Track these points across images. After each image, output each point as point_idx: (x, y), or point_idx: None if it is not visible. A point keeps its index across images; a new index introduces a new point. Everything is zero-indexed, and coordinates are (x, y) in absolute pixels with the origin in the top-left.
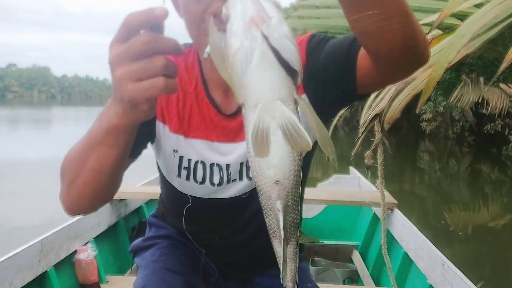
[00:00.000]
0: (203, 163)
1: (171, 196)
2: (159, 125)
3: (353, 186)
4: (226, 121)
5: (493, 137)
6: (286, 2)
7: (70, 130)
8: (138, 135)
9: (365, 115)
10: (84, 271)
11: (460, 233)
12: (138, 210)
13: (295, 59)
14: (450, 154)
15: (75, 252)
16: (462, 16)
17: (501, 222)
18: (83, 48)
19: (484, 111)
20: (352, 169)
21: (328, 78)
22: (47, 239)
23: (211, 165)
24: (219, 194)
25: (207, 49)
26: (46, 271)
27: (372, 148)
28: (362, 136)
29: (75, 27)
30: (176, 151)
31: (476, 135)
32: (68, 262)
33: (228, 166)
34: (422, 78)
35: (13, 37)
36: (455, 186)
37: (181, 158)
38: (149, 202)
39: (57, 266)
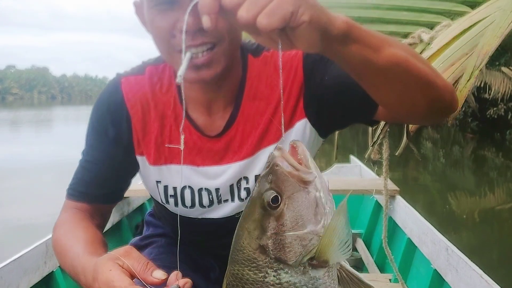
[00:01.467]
0: (190, 188)
1: (163, 212)
2: (139, 158)
3: (354, 175)
4: (210, 143)
5: (496, 121)
6: None
7: (72, 129)
8: (118, 179)
9: None
10: None
11: (466, 220)
12: (141, 208)
13: None
14: (453, 141)
15: None
16: (472, 3)
17: (507, 207)
18: (81, 48)
19: (486, 95)
20: (352, 157)
21: (342, 106)
22: (51, 240)
23: (199, 189)
24: (211, 214)
25: (180, 72)
26: (52, 271)
27: (378, 142)
28: (378, 141)
29: (72, 28)
30: (159, 181)
31: (479, 120)
32: None
33: (217, 189)
34: None
35: (10, 38)
36: (459, 173)
37: (165, 187)
38: (152, 199)
39: None
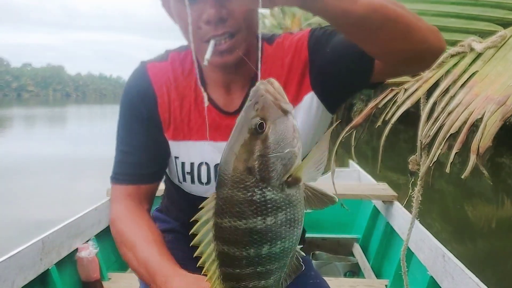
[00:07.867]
0: (207, 164)
1: (176, 194)
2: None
3: (352, 179)
4: (229, 119)
5: None
6: None
7: (85, 128)
8: (160, 156)
9: (424, 128)
10: (86, 269)
11: (482, 228)
12: None
13: None
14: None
15: (76, 250)
16: (503, 23)
17: None
18: (96, 47)
19: None
20: (351, 162)
21: (341, 71)
22: (48, 237)
23: (216, 165)
24: None
25: (207, 56)
26: (48, 269)
27: (417, 152)
28: (435, 160)
29: (87, 26)
30: (177, 157)
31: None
32: (70, 260)
33: None
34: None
35: (26, 37)
36: (476, 180)
37: (183, 164)
38: (165, 187)
39: (59, 264)
